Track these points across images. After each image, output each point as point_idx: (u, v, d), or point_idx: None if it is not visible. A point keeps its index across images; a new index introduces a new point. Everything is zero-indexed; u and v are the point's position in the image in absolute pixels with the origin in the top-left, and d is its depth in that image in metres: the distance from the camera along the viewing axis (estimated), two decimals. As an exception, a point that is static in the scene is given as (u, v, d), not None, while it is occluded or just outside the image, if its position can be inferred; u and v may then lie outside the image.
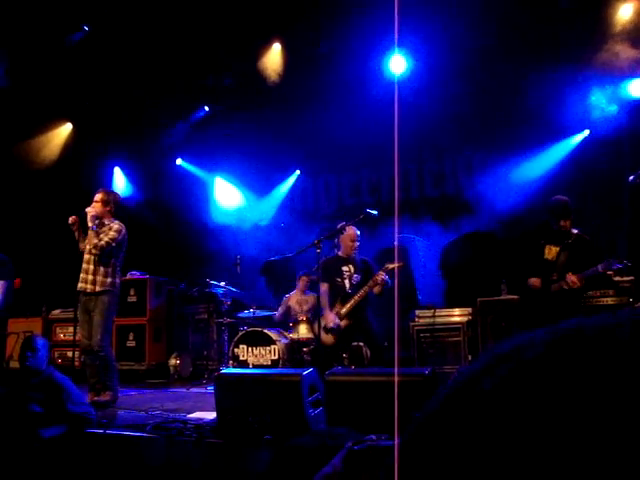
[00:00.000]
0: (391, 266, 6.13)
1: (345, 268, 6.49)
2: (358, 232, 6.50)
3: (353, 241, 6.44)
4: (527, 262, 5.84)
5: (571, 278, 5.44)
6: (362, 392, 4.27)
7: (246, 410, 4.40)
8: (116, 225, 6.18)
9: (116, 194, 6.57)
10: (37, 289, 9.34)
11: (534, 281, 5.71)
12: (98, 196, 6.24)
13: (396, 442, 0.43)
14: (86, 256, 6.15)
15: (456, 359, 7.39)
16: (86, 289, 6.08)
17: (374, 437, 0.98)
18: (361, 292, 6.26)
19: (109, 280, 6.08)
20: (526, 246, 5.95)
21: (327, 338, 6.35)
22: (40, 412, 4.45)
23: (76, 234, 6.15)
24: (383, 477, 0.60)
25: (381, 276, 6.12)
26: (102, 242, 6.02)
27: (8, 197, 9.77)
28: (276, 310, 8.01)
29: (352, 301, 6.29)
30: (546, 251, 5.77)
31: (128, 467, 4.34)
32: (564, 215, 5.60)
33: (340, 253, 6.56)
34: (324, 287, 6.42)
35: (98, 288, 6.04)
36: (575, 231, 5.76)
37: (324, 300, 6.37)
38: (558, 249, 5.69)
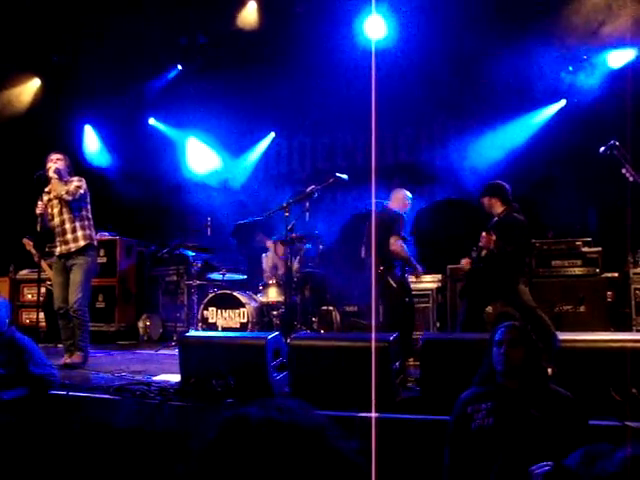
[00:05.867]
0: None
1: None
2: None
3: (408, 201, 6.48)
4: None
5: (482, 234, 5.46)
6: (326, 357, 4.28)
7: (210, 373, 4.39)
8: (76, 178, 6.12)
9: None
10: (4, 249, 9.16)
11: (464, 264, 5.92)
12: (56, 155, 6.17)
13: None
14: (57, 220, 6.08)
15: (425, 325, 7.44)
16: (70, 249, 6.01)
17: None
18: None
19: (88, 233, 6.08)
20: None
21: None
22: (1, 374, 4.39)
23: (39, 220, 6.09)
24: None
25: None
26: (71, 188, 5.98)
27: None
28: (246, 273, 8.00)
29: None
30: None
31: (90, 429, 4.32)
32: (482, 195, 5.89)
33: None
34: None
35: (82, 243, 6.01)
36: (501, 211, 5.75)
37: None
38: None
